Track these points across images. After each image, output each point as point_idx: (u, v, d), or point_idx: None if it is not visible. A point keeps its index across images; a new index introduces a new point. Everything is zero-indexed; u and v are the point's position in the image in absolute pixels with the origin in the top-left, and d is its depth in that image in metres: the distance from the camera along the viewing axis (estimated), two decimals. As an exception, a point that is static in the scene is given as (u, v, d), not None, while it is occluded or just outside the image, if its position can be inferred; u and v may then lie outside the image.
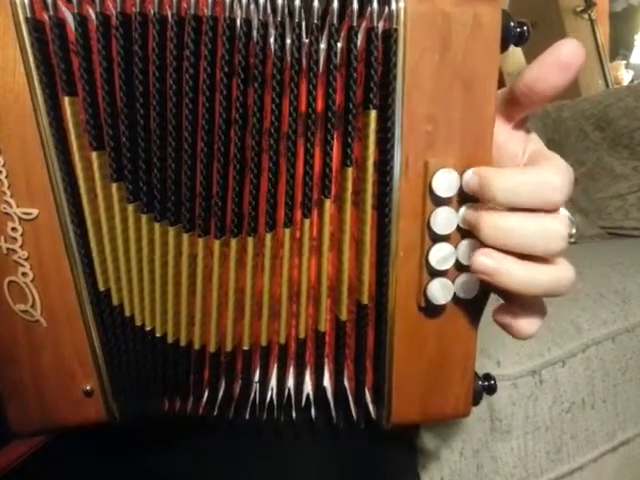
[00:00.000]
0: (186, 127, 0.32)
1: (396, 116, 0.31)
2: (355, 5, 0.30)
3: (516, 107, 0.32)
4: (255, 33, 0.31)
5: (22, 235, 0.33)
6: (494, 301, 0.35)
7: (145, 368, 0.38)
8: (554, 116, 1.55)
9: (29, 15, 0.30)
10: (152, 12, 0.30)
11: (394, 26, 0.30)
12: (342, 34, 0.31)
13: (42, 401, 0.37)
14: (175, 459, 0.44)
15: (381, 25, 0.30)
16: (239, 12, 0.30)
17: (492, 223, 0.30)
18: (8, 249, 0.33)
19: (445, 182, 0.31)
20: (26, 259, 0.34)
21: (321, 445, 0.43)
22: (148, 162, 0.33)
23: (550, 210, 0.29)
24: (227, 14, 0.30)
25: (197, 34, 0.31)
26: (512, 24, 0.31)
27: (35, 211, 0.33)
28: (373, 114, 0.32)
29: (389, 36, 0.30)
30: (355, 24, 0.31)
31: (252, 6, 0.30)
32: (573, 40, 0.29)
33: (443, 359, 0.36)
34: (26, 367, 0.36)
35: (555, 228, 0.29)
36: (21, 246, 0.33)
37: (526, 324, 0.33)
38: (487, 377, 0.39)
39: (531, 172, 0.30)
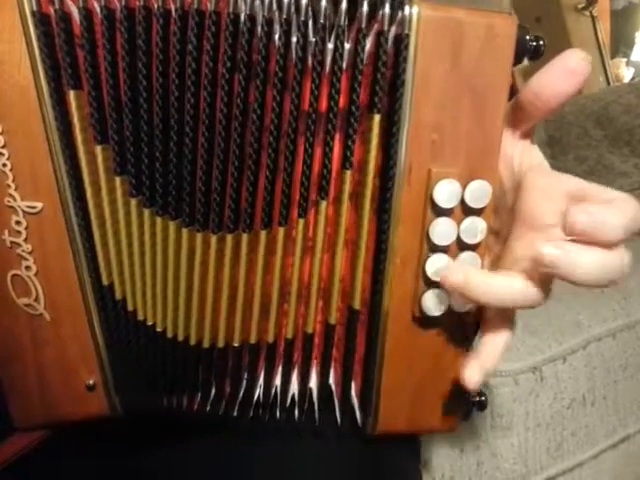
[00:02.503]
0: (187, 122, 0.32)
1: (402, 122, 0.31)
2: (365, 7, 0.30)
3: (522, 116, 0.32)
4: (259, 29, 0.30)
5: (26, 229, 0.33)
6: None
7: (147, 363, 0.38)
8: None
9: (35, 9, 0.30)
10: (156, 6, 0.30)
11: (406, 31, 0.29)
12: (351, 36, 0.31)
13: (45, 395, 0.37)
14: (173, 457, 0.44)
15: (393, 29, 0.30)
16: (243, 7, 0.30)
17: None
18: (12, 242, 0.33)
19: (446, 193, 0.31)
20: (30, 253, 0.34)
21: (321, 442, 0.43)
22: (151, 156, 0.33)
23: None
24: (231, 9, 0.30)
25: (200, 29, 0.31)
26: (527, 38, 0.31)
27: (39, 205, 0.33)
28: (377, 118, 0.31)
29: (400, 41, 0.30)
30: (364, 27, 0.30)
31: (257, 2, 0.30)
32: (579, 50, 0.29)
33: (436, 373, 0.36)
34: (29, 361, 0.36)
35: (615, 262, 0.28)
36: (25, 240, 0.33)
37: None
38: (480, 393, 0.38)
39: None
